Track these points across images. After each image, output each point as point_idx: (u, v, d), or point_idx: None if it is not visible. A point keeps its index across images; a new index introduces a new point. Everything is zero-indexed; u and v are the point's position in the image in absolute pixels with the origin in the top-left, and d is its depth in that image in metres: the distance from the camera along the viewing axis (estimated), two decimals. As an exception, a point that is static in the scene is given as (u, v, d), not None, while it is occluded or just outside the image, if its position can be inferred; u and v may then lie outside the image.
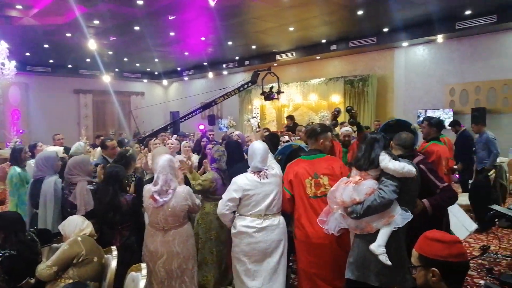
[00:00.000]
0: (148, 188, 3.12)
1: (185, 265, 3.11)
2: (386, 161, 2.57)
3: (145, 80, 18.96)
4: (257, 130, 3.63)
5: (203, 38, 11.18)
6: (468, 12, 9.04)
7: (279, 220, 3.06)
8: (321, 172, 2.96)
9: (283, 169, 3.24)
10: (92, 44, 10.29)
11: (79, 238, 2.68)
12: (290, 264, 3.75)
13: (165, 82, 19.73)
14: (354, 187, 2.59)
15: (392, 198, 2.48)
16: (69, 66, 15.45)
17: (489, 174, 6.10)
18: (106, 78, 14.93)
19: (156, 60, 14.69)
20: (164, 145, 6.22)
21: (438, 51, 10.92)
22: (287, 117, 9.70)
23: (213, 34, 10.76)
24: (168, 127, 11.53)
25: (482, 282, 3.88)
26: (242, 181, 3.02)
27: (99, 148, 5.31)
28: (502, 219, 4.21)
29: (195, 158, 5.26)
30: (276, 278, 3.01)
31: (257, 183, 3.00)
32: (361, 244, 2.64)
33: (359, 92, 12.22)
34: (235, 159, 3.82)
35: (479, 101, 10.15)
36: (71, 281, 2.51)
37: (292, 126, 8.96)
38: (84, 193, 3.34)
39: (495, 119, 9.82)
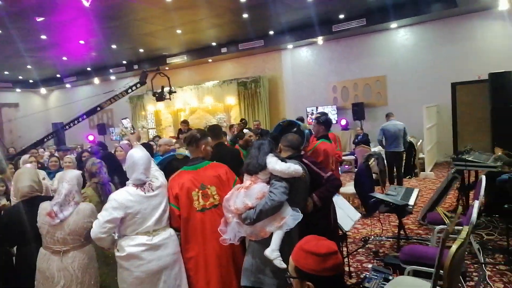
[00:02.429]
0: (45, 206, 2.71)
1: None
2: (273, 163, 2.59)
3: (18, 90, 16.76)
4: (132, 131, 3.21)
5: (82, 42, 10.26)
6: (341, 16, 9.90)
7: (170, 232, 2.75)
8: (208, 182, 2.81)
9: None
10: None
11: None
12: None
13: (43, 90, 17.69)
14: (245, 193, 2.58)
15: (282, 199, 2.50)
16: None
17: (369, 162, 6.68)
18: (-34, 89, 12.80)
19: (29, 66, 13.07)
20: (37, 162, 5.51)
21: (319, 52, 11.75)
22: (181, 122, 9.40)
23: (93, 37, 9.93)
24: (47, 139, 10.26)
25: (370, 265, 4.19)
26: (123, 197, 2.58)
27: None
28: (382, 205, 4.61)
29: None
30: None
31: (142, 198, 2.62)
32: (255, 249, 2.62)
33: (252, 94, 12.54)
34: (115, 170, 3.47)
35: (357, 97, 11.19)
36: None
37: (188, 131, 8.71)
38: None
39: (372, 112, 10.95)
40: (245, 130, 5.78)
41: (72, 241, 2.68)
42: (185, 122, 9.19)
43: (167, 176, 2.90)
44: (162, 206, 2.70)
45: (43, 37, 9.37)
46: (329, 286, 1.38)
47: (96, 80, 15.90)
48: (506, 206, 3.89)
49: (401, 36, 10.51)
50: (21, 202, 2.84)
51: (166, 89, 10.05)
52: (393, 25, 10.24)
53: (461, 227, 2.43)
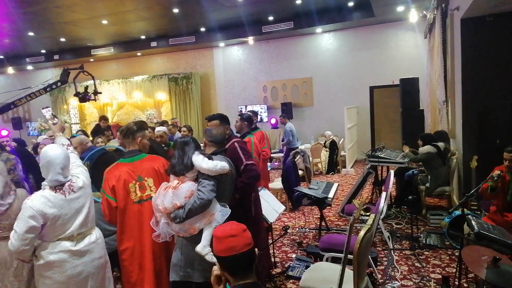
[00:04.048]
0: None
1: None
2: (199, 161, 2.60)
3: None
4: (54, 122, 2.96)
5: (-6, 27, 9.32)
6: (271, 18, 10.21)
7: (96, 235, 2.61)
8: (145, 174, 2.82)
9: (96, 175, 2.94)
10: None
11: None
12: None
13: None
14: (173, 193, 2.56)
15: (210, 197, 2.55)
16: None
17: (295, 159, 7.04)
18: None
19: None
20: None
21: (250, 52, 11.99)
22: (100, 118, 8.86)
23: (6, 22, 9.07)
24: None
25: (294, 255, 4.45)
26: (39, 204, 2.32)
27: None
28: (305, 198, 4.91)
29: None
30: None
31: (62, 202, 2.39)
32: (184, 245, 2.66)
33: (184, 90, 12.40)
34: (30, 167, 3.28)
35: (286, 97, 11.64)
36: None
37: (107, 127, 8.36)
38: None
39: (299, 111, 11.46)
40: (162, 128, 5.75)
41: None
42: (104, 118, 8.79)
43: (99, 170, 2.84)
44: (86, 208, 2.53)
45: None
46: (229, 265, 1.55)
47: (10, 70, 14.52)
48: (410, 197, 4.37)
49: (325, 41, 11.14)
50: None
51: (91, 87, 9.30)
52: (319, 29, 10.81)
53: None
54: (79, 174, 2.60)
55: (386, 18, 9.77)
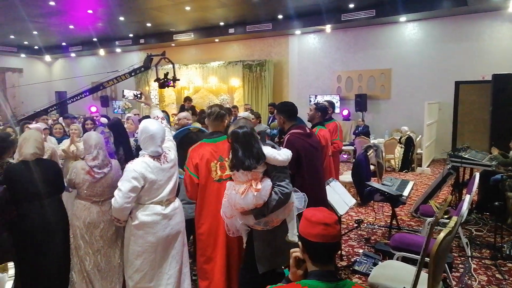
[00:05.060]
0: (82, 165, 3.03)
1: (119, 230, 3.11)
2: (273, 154, 2.50)
3: (23, 55, 16.65)
4: (139, 96, 3.28)
5: (90, 11, 10.19)
6: (351, 5, 9.85)
7: (178, 202, 2.97)
8: (226, 154, 2.89)
9: (180, 153, 3.12)
10: None
11: None
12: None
13: (47, 58, 17.60)
14: (255, 195, 2.41)
15: (291, 189, 2.53)
16: None
17: (368, 153, 6.80)
18: (-29, 51, 12.72)
19: (35, 32, 12.96)
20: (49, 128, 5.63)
21: (327, 40, 11.73)
22: (185, 99, 9.31)
23: (102, 7, 9.87)
24: (51, 109, 10.28)
25: (361, 251, 4.35)
26: (141, 167, 2.68)
27: None
28: (377, 193, 4.74)
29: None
30: (175, 263, 2.92)
31: (158, 169, 2.75)
32: (266, 237, 2.58)
33: (257, 77, 12.54)
34: (121, 141, 3.57)
35: (361, 88, 11.24)
36: None
37: (190, 108, 8.75)
38: None
39: (374, 104, 11.01)
40: (245, 113, 5.75)
41: (108, 192, 3.03)
42: (188, 99, 9.19)
43: (183, 148, 3.05)
44: (175, 177, 2.88)
45: (52, 3, 9.30)
46: (313, 250, 1.55)
47: (102, 52, 15.83)
48: (496, 203, 4.01)
49: (409, 30, 10.50)
50: (25, 161, 2.95)
51: (170, 74, 9.65)
52: (402, 18, 10.21)
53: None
54: (170, 148, 2.93)
55: (480, 7, 8.92)
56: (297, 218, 2.61)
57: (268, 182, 2.48)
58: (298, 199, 2.62)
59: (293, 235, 2.54)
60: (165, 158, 2.82)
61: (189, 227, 3.15)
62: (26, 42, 15.37)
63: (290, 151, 2.62)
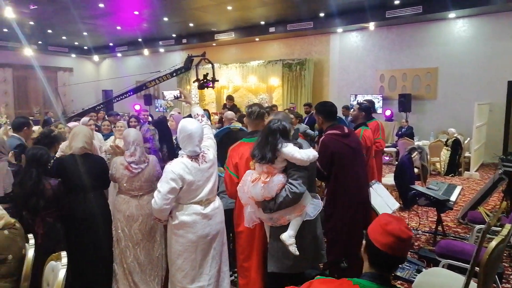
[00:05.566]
0: (121, 161, 3.17)
1: (157, 225, 3.26)
2: (292, 151, 2.44)
3: (73, 55, 17.58)
4: (178, 96, 3.34)
5: (136, 12, 10.56)
6: (397, 2, 9.52)
7: (219, 202, 2.92)
8: None
9: (220, 152, 3.15)
10: (9, 13, 9.21)
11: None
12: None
13: (96, 58, 18.47)
14: (263, 187, 2.45)
15: (303, 191, 2.45)
16: (-18, 36, 13.82)
17: (412, 156, 6.54)
18: (28, 51, 13.56)
19: (85, 33, 13.64)
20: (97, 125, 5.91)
21: (370, 38, 11.41)
22: (227, 97, 9.45)
23: (147, 8, 10.20)
24: (98, 107, 10.74)
25: (402, 256, 4.19)
26: (179, 169, 2.64)
27: (2, 128, 4.89)
28: (422, 198, 4.55)
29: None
30: (216, 262, 2.91)
31: (196, 170, 2.69)
32: (277, 236, 2.58)
33: (296, 76, 12.45)
34: (165, 138, 3.66)
35: (405, 88, 10.84)
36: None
37: (232, 107, 8.83)
38: (4, 173, 3.07)
39: (419, 104, 10.59)
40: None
41: (146, 187, 3.21)
42: (230, 98, 9.29)
43: (224, 147, 3.08)
44: (214, 177, 2.85)
45: (101, 5, 9.73)
46: (374, 255, 1.48)
47: (146, 52, 16.36)
48: (555, 212, 3.73)
49: (459, 27, 9.99)
50: (73, 155, 3.11)
51: (210, 75, 9.72)
52: (451, 15, 9.73)
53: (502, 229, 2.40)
54: (209, 147, 2.90)
55: (539, 1, 8.33)
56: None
57: (278, 178, 2.47)
58: (313, 205, 2.53)
59: (288, 237, 2.45)
60: (203, 158, 2.77)
61: (228, 218, 3.12)
62: (76, 43, 16.23)
63: (314, 152, 2.52)
